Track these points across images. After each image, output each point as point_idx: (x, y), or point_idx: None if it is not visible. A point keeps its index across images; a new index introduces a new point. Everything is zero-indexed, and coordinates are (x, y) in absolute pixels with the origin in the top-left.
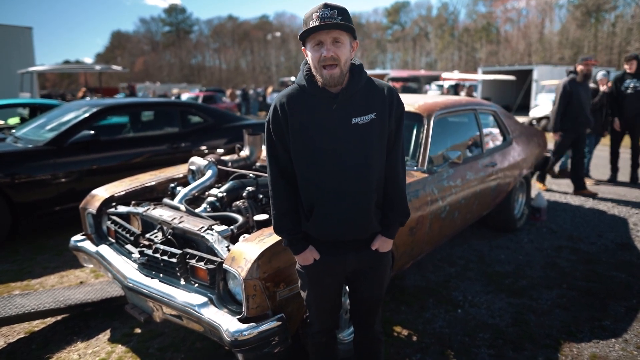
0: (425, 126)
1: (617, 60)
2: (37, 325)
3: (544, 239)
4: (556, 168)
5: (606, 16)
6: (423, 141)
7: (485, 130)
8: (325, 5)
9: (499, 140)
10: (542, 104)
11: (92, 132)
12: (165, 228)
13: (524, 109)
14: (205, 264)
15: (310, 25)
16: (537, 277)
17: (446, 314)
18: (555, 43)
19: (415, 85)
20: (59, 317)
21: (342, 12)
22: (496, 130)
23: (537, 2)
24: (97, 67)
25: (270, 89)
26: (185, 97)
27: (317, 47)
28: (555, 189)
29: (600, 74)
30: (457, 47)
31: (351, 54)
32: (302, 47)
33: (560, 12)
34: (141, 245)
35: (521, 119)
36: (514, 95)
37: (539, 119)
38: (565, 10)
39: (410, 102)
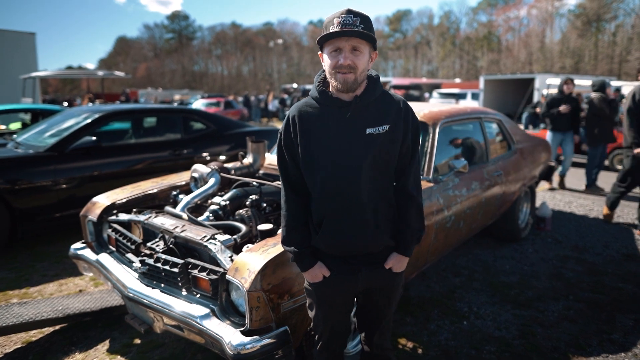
0: (431, 135)
1: (618, 69)
2: (35, 335)
3: (549, 249)
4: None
5: (606, 26)
6: (428, 150)
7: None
8: (349, 12)
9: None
10: None
11: (93, 138)
12: (167, 237)
13: None
14: (207, 274)
15: (330, 30)
16: (543, 288)
17: (451, 325)
18: (556, 52)
19: (417, 92)
20: (57, 327)
21: (365, 20)
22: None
23: (538, 11)
24: (100, 73)
25: (271, 96)
26: (200, 104)
27: (335, 54)
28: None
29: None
30: (458, 56)
31: (369, 64)
32: (319, 52)
33: (561, 22)
34: (142, 254)
35: (523, 128)
36: (516, 103)
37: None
38: (565, 19)
39: (415, 110)
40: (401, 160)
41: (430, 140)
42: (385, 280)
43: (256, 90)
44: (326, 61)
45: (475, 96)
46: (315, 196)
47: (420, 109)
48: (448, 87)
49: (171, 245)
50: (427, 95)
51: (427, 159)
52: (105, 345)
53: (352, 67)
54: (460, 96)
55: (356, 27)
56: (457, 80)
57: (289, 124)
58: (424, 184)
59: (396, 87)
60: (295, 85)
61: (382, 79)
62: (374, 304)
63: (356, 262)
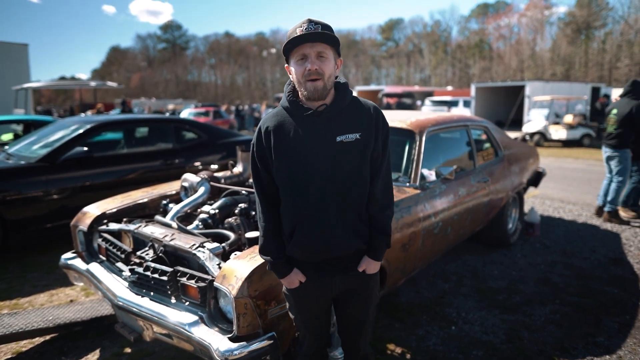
0: (417, 142)
1: (608, 76)
2: (25, 345)
3: (538, 254)
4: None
5: (596, 33)
6: (415, 157)
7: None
8: (310, 21)
9: None
10: (535, 120)
11: (85, 148)
12: (156, 245)
13: (517, 124)
14: (196, 282)
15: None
16: (531, 292)
17: (440, 330)
18: (546, 59)
19: (410, 100)
20: (47, 337)
21: (326, 27)
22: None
23: (529, 19)
24: (92, 84)
25: (264, 105)
26: (187, 114)
27: (301, 61)
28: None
29: None
30: (450, 64)
31: (335, 70)
32: (286, 65)
33: (551, 29)
34: (132, 263)
35: (514, 135)
36: (507, 111)
37: (532, 134)
38: (556, 27)
39: (402, 118)
40: (371, 166)
41: (417, 148)
42: (359, 283)
43: (250, 99)
44: (294, 70)
45: (467, 104)
46: (286, 204)
47: (407, 117)
48: (440, 94)
49: (160, 254)
50: (419, 103)
51: (414, 166)
52: (95, 355)
53: (319, 73)
54: (452, 104)
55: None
56: (449, 88)
57: (260, 136)
58: (411, 191)
59: (389, 95)
60: None
61: (375, 88)
62: (350, 307)
63: (329, 267)
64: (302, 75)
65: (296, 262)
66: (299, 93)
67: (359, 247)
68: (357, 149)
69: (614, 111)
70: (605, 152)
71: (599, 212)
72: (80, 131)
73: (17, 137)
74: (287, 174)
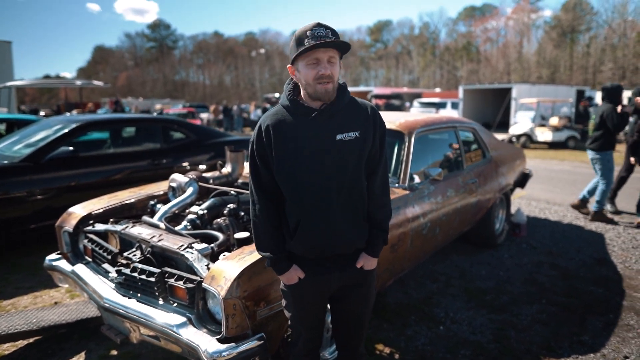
0: (406, 143)
1: (592, 79)
2: (8, 348)
3: (524, 254)
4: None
5: (581, 37)
6: (404, 158)
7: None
8: (319, 25)
9: None
10: (521, 122)
11: (70, 148)
12: (144, 246)
13: (504, 126)
14: (184, 283)
15: (306, 44)
16: (518, 292)
17: (428, 330)
18: (533, 62)
19: (398, 102)
20: (31, 340)
21: (334, 32)
22: None
23: (515, 22)
24: (78, 82)
25: (252, 106)
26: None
27: (314, 65)
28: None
29: None
30: (438, 66)
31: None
32: (289, 65)
33: (537, 33)
34: (119, 264)
35: (501, 136)
36: (494, 113)
37: (518, 136)
38: (541, 30)
39: (392, 119)
40: (369, 163)
41: (406, 149)
42: (358, 278)
43: (238, 99)
44: (304, 72)
45: (455, 105)
46: (289, 202)
47: (396, 118)
48: (428, 96)
49: (148, 255)
50: (408, 104)
51: (403, 167)
52: (81, 357)
53: (330, 77)
54: (440, 105)
55: (329, 38)
56: (438, 90)
57: (261, 133)
58: (400, 192)
59: (378, 96)
60: (277, 95)
61: (364, 89)
62: (349, 303)
63: (328, 264)
64: (314, 78)
65: (295, 258)
66: (301, 92)
67: (359, 245)
68: (356, 146)
69: (593, 116)
70: (589, 155)
71: (579, 205)
72: (66, 130)
73: (0, 136)
74: (289, 171)
